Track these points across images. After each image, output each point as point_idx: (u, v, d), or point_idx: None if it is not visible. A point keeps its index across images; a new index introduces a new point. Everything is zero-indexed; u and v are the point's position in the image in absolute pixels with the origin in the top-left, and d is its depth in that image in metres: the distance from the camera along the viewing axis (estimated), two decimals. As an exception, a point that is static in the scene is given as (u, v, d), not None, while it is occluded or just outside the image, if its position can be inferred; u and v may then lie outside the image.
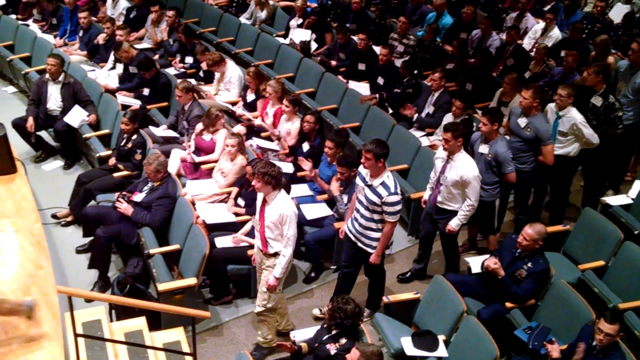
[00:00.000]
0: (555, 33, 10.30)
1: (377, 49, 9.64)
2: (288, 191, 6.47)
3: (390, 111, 8.81)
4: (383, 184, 5.78)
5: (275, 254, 5.70)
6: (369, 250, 6.07)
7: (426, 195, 6.84)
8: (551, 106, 7.42)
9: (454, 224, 6.48)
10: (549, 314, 5.75)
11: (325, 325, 5.42)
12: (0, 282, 5.76)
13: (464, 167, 6.29)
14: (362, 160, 5.84)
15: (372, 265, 6.13)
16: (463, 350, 5.40)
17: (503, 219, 7.65)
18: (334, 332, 5.29)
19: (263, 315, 5.91)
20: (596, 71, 7.55)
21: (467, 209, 6.40)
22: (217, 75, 9.36)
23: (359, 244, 6.11)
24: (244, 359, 5.10)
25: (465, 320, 5.52)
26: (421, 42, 10.36)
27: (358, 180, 6.05)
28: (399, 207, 5.84)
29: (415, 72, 9.34)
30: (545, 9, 11.52)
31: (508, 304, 5.88)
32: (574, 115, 7.17)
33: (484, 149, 6.77)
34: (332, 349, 5.20)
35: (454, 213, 6.48)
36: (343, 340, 5.21)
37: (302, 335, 5.63)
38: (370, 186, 5.83)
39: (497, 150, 6.63)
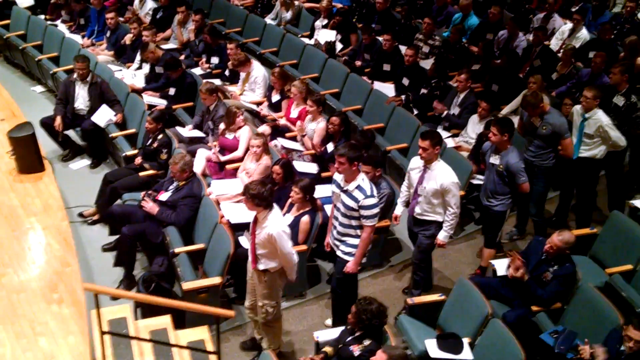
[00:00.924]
0: (583, 34, 10.19)
1: (403, 50, 9.61)
2: (312, 192, 6.47)
3: (416, 112, 8.77)
4: (359, 187, 5.68)
5: (265, 271, 5.62)
6: (347, 258, 5.92)
7: (398, 210, 6.63)
8: (577, 108, 7.34)
9: (442, 236, 6.29)
10: (575, 318, 5.68)
11: (348, 327, 5.40)
12: (28, 279, 5.85)
13: (443, 175, 6.08)
14: (335, 166, 5.75)
15: (344, 275, 5.96)
16: (488, 354, 5.35)
17: (526, 224, 7.61)
18: (357, 333, 5.27)
19: (269, 325, 5.91)
20: (622, 70, 7.49)
21: (451, 218, 6.20)
22: (242, 75, 9.40)
23: (337, 252, 6.00)
24: (268, 359, 5.10)
25: (491, 323, 5.46)
26: (447, 43, 10.31)
27: (333, 187, 5.96)
28: (376, 210, 5.72)
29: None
30: (573, 9, 11.40)
31: (534, 307, 5.83)
32: (600, 117, 7.09)
33: (495, 159, 6.58)
34: (356, 350, 5.17)
35: (434, 223, 6.29)
36: (367, 342, 5.19)
37: (325, 336, 5.62)
38: (346, 191, 5.74)
39: (509, 161, 6.43)
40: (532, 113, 7.00)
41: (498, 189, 6.59)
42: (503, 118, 7.04)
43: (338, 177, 5.88)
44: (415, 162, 6.33)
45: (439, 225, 6.29)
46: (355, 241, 5.87)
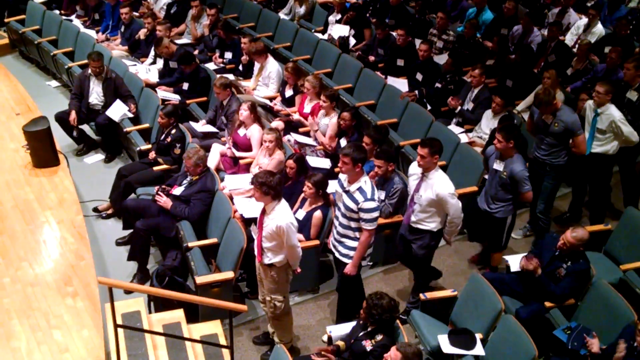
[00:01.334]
0: (599, 29, 10.11)
1: (416, 44, 9.57)
2: (325, 187, 6.47)
3: (429, 107, 8.74)
4: (360, 189, 5.62)
5: (271, 265, 5.61)
6: (345, 260, 5.87)
7: None
8: (589, 103, 7.29)
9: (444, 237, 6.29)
10: (589, 315, 5.66)
11: (361, 322, 5.40)
12: (43, 273, 5.90)
13: (439, 185, 5.93)
14: (339, 165, 5.70)
15: (346, 277, 5.91)
16: (501, 350, 5.33)
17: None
18: (369, 328, 5.27)
19: (278, 319, 5.92)
20: (636, 65, 7.43)
21: (449, 226, 6.13)
22: (255, 70, 9.41)
23: (336, 254, 5.95)
24: (280, 353, 5.12)
25: (503, 319, 5.45)
26: (461, 38, 10.26)
27: (337, 187, 5.92)
28: (375, 214, 5.64)
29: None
30: (589, 4, 11.31)
31: (547, 304, 5.80)
32: (613, 112, 7.04)
33: (498, 165, 6.50)
34: (368, 345, 5.18)
35: (428, 233, 6.16)
36: (379, 337, 5.19)
37: (338, 330, 5.62)
38: (347, 192, 5.69)
39: (514, 169, 6.34)
40: (545, 111, 6.90)
41: (499, 195, 6.52)
42: (509, 125, 6.92)
43: (343, 176, 5.84)
44: (414, 169, 6.24)
45: (432, 235, 6.19)
46: (353, 243, 5.81)
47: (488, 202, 6.64)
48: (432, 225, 6.14)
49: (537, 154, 7.10)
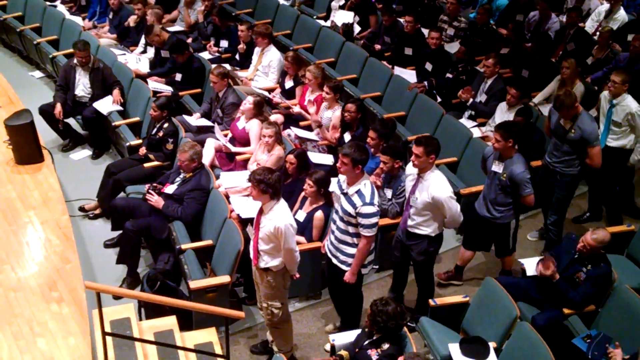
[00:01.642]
0: (621, 15, 10.10)
1: (426, 32, 9.56)
2: (327, 185, 6.47)
3: (439, 99, 8.73)
4: (359, 192, 5.58)
5: (267, 270, 5.60)
6: (344, 267, 5.84)
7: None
8: (605, 94, 7.27)
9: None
10: (610, 322, 5.65)
11: (366, 330, 5.40)
12: (26, 277, 5.90)
13: (435, 186, 5.88)
14: (338, 165, 5.68)
15: (347, 285, 5.88)
16: (516, 359, 5.34)
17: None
18: (375, 337, 5.27)
19: (276, 327, 5.92)
20: None
21: (448, 226, 6.17)
22: (254, 59, 9.39)
23: (334, 260, 5.92)
24: (279, 363, 5.13)
25: (519, 326, 5.45)
26: (473, 25, 10.25)
27: (335, 188, 5.90)
28: (374, 220, 5.58)
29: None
30: (611, -11, 11.30)
31: (566, 310, 5.80)
32: (629, 103, 7.02)
33: (497, 167, 6.42)
34: (374, 354, 5.18)
35: (425, 238, 6.11)
36: (385, 346, 5.19)
37: (341, 339, 5.63)
38: (346, 194, 5.66)
39: (513, 171, 6.26)
40: (566, 115, 6.74)
41: (499, 200, 6.45)
42: (507, 122, 6.83)
43: (342, 177, 5.80)
44: (410, 169, 6.22)
45: (430, 240, 6.16)
46: (351, 250, 5.77)
47: (488, 207, 6.55)
48: (429, 230, 6.09)
49: (549, 159, 7.01)
